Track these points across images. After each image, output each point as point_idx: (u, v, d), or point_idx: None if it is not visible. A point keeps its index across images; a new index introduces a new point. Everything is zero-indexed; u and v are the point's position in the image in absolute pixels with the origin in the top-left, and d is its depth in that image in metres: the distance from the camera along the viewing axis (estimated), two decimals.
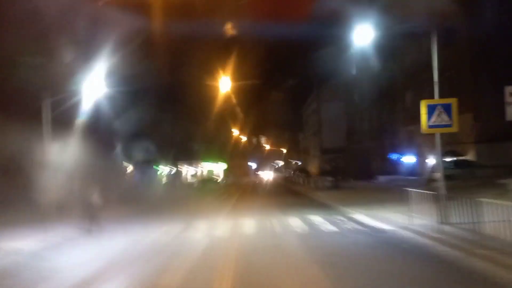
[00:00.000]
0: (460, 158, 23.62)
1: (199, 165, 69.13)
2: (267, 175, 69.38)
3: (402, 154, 32.55)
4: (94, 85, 14.76)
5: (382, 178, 33.04)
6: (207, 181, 59.70)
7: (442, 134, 11.37)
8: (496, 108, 22.39)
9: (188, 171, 65.59)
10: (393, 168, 34.86)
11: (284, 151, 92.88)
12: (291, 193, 29.82)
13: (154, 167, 48.21)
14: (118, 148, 30.34)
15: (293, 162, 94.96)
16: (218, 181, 61.74)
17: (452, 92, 26.39)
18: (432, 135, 27.40)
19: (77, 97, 15.07)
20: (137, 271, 7.68)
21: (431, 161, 27.41)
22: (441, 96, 11.54)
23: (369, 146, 41.48)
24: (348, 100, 48.62)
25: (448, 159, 23.89)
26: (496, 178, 19.15)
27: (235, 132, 61.54)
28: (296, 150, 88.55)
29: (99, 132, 22.45)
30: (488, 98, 22.57)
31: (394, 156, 33.26)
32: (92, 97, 15.60)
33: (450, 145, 26.27)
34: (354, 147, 47.08)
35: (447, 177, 21.79)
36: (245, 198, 25.33)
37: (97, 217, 12.83)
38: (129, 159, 38.68)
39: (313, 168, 57.44)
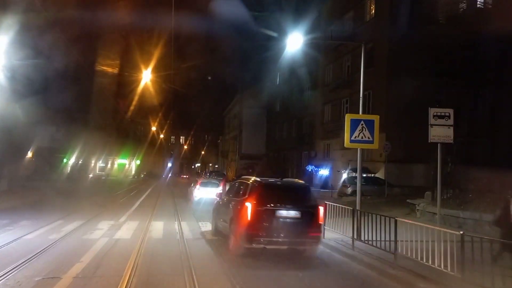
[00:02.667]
0: (371, 175, 24.57)
1: (111, 158, 65.71)
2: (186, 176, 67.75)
3: (318, 166, 33.32)
4: None
5: None
6: (117, 175, 57.00)
7: (356, 150, 11.27)
8: (406, 130, 23.80)
9: (98, 163, 61.92)
10: (308, 179, 35.57)
11: (202, 152, 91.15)
12: None
13: (61, 156, 44.67)
14: (17, 132, 27.32)
15: (209, 165, 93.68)
16: (131, 176, 58.98)
17: (368, 111, 27.56)
18: (347, 150, 28.03)
19: None
20: (15, 275, 6.35)
21: (343, 175, 28.29)
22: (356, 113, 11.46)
23: (287, 155, 42.15)
24: (270, 108, 49.12)
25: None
26: (403, 197, 20.07)
27: (153, 128, 59.12)
28: (214, 153, 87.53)
29: None
30: (401, 120, 23.82)
31: (310, 168, 33.93)
32: None
33: (362, 162, 27.36)
34: (272, 155, 47.58)
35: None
36: (156, 197, 23.97)
37: None
38: (30, 146, 35.31)
39: (230, 172, 57.16)
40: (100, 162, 63.51)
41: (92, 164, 58.58)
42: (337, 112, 31.38)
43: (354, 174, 25.45)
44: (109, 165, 66.54)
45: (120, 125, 60.05)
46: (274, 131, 47.36)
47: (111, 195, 24.60)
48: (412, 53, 23.75)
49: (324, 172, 32.72)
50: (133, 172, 69.56)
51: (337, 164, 30.75)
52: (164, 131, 67.53)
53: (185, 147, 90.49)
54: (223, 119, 73.95)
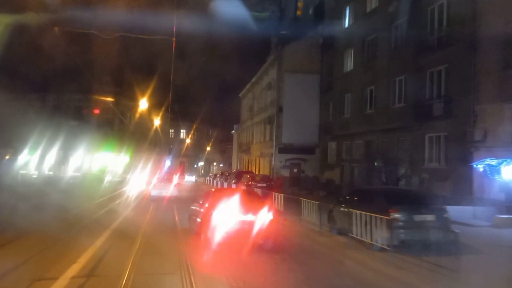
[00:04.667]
0: None
1: (89, 154, 47.72)
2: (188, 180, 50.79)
3: (502, 161, 14.76)
4: None
5: (457, 210, 14.91)
6: (93, 179, 39.85)
7: None
8: None
9: (70, 160, 45.32)
10: (463, 187, 17.13)
11: (208, 149, 76.25)
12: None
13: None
14: None
15: (214, 164, 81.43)
16: (117, 177, 42.13)
17: None
18: None
19: None
20: None
21: None
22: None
23: (384, 143, 23.42)
24: (331, 69, 30.59)
25: None
26: None
27: (144, 104, 40.57)
28: (220, 148, 74.14)
29: None
30: None
31: (481, 165, 15.35)
32: None
33: None
34: (337, 145, 29.11)
35: None
36: (141, 228, 6.10)
37: None
38: None
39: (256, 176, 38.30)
40: (74, 158, 47.14)
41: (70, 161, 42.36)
42: None
43: None
44: (86, 163, 49.20)
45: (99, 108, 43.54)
46: (339, 106, 28.83)
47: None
48: None
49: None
50: (120, 171, 52.53)
51: None
52: (159, 116, 49.93)
53: (188, 140, 74.11)
54: (240, 101, 55.89)
